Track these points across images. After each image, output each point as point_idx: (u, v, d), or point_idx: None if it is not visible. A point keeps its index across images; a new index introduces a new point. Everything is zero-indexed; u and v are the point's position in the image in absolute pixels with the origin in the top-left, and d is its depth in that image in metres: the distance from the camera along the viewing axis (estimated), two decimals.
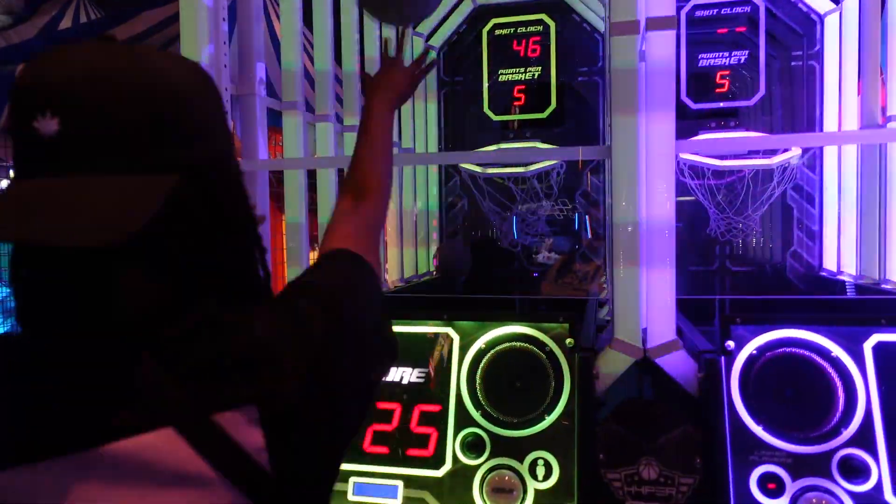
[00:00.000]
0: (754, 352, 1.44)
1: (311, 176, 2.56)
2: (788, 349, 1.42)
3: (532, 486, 1.44)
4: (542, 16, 3.85)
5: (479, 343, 1.56)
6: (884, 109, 2.55)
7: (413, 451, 1.51)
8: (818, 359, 1.39)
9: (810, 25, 3.59)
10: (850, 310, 2.56)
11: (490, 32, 3.85)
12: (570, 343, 1.51)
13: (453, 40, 4.23)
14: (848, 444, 1.34)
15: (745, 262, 3.83)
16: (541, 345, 1.52)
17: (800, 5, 3.54)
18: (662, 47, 1.58)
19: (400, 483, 1.49)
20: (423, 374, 1.58)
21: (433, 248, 4.01)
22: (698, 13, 3.52)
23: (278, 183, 2.70)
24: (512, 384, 1.51)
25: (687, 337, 1.69)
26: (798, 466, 1.35)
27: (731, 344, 1.44)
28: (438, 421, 1.52)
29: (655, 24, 1.56)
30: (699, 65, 3.58)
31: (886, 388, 1.36)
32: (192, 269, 0.58)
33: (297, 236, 2.36)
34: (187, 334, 0.55)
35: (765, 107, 3.73)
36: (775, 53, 3.72)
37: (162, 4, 3.12)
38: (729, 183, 3.61)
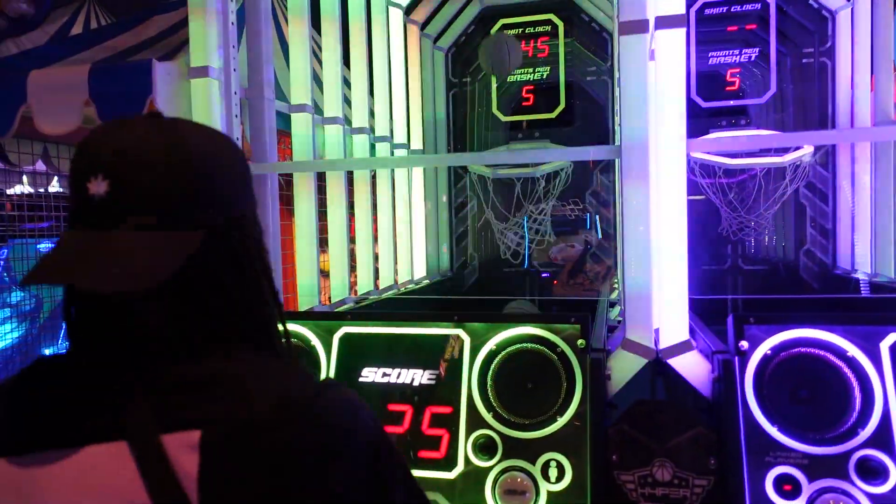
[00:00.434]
0: (769, 352, 1.42)
1: (321, 178, 2.56)
2: (803, 349, 1.40)
3: (545, 487, 1.43)
4: (551, 16, 3.84)
5: (490, 344, 1.55)
6: None
7: (425, 452, 1.51)
8: (834, 359, 1.38)
9: (822, 22, 3.55)
10: (866, 308, 2.53)
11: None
12: (581, 344, 1.50)
13: (461, 41, 4.22)
14: (865, 444, 1.32)
15: (758, 260, 3.80)
16: (552, 346, 1.51)
17: (811, 2, 3.51)
18: (672, 46, 1.57)
19: None
20: (433, 376, 1.57)
21: (443, 249, 4.01)
22: (707, 11, 3.49)
23: (287, 185, 2.71)
24: (523, 385, 1.51)
25: (700, 337, 1.68)
26: (814, 468, 1.34)
27: (744, 344, 1.43)
28: (450, 423, 1.52)
29: (665, 22, 1.55)
30: (709, 63, 3.55)
31: None
32: (210, 314, 0.67)
33: (306, 239, 2.36)
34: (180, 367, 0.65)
35: (776, 104, 3.69)
36: (786, 50, 3.68)
37: (172, 10, 3.14)
38: (740, 181, 3.58)
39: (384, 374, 1.60)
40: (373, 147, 3.10)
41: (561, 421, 1.46)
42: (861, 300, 2.72)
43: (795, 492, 1.33)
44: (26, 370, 0.67)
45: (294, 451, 0.61)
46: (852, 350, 1.37)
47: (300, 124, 2.37)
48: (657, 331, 1.57)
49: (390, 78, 3.24)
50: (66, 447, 0.59)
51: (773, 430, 1.37)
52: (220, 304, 0.68)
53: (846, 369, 1.36)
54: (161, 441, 0.58)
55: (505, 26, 3.88)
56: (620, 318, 1.83)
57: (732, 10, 3.52)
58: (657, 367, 1.59)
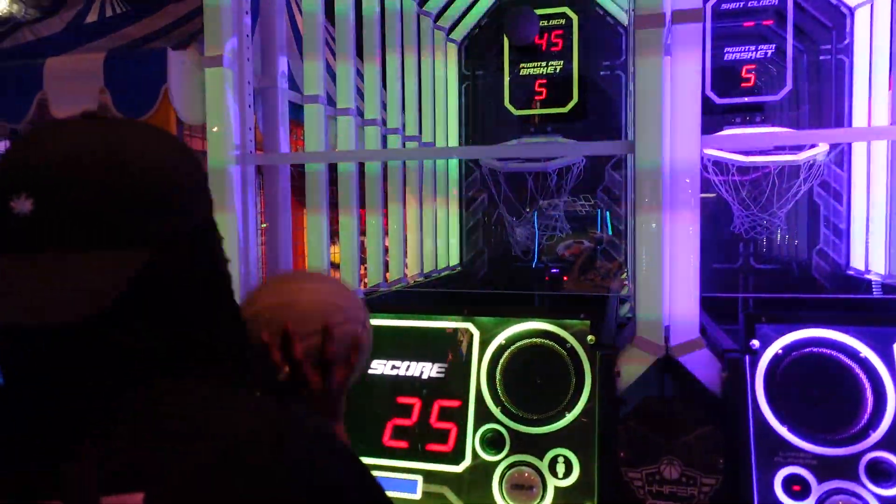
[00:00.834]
0: (780, 351, 1.41)
1: (332, 169, 2.57)
2: (815, 349, 1.39)
3: (552, 483, 1.43)
4: (565, 9, 3.82)
5: (500, 339, 1.55)
6: None
7: (433, 446, 1.51)
8: (846, 359, 1.37)
9: (840, 18, 3.51)
10: (879, 309, 2.51)
11: None
12: (591, 340, 1.50)
13: (475, 33, 4.20)
14: (876, 446, 1.31)
15: (770, 259, 3.77)
16: (561, 341, 1.51)
17: None
18: (688, 41, 1.55)
19: (419, 478, 1.49)
20: (442, 370, 1.57)
21: (453, 243, 4.00)
22: (724, 6, 3.46)
23: (299, 176, 2.71)
24: (532, 381, 1.51)
25: (710, 335, 1.67)
26: (824, 469, 1.33)
27: (755, 343, 1.42)
28: (458, 416, 1.52)
29: (682, 16, 1.54)
30: (725, 59, 3.52)
31: None
32: (160, 338, 0.59)
33: (317, 230, 2.37)
34: (131, 408, 0.56)
35: (792, 102, 3.65)
36: (803, 47, 3.64)
37: None
38: (754, 179, 3.55)
39: (393, 367, 1.61)
40: (385, 139, 3.10)
41: (569, 417, 1.46)
42: (874, 301, 2.70)
43: (804, 492, 1.32)
44: None
45: None
46: (865, 351, 1.36)
47: (313, 115, 2.37)
48: (668, 328, 1.56)
49: (403, 70, 3.24)
50: None
51: (782, 430, 1.36)
52: (171, 328, 0.60)
53: (858, 370, 1.35)
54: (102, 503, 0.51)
55: None
56: (630, 315, 1.82)
57: (749, 5, 3.48)
58: (667, 364, 1.58)
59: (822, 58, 3.65)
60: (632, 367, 1.56)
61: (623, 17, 3.86)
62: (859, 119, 3.31)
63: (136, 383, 0.57)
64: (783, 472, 1.34)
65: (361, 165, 2.79)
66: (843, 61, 3.55)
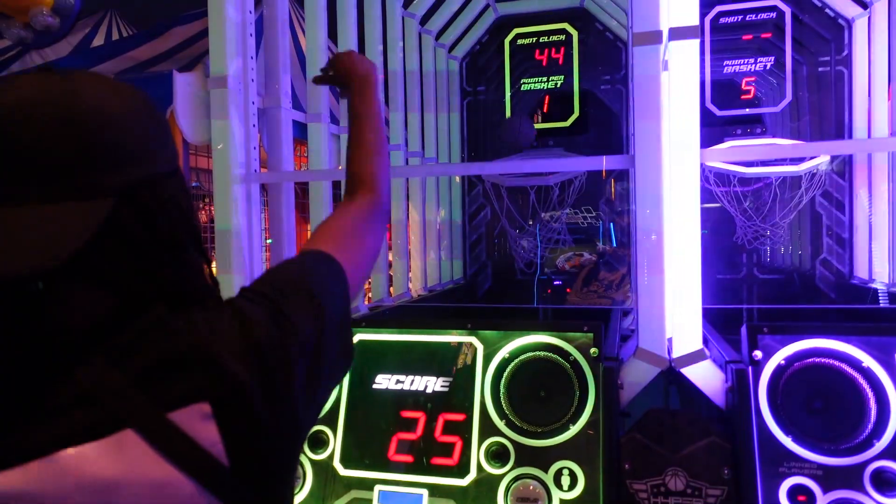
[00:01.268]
0: (783, 362, 1.42)
1: (336, 187, 2.59)
2: (818, 359, 1.40)
3: (557, 495, 1.43)
4: (565, 25, 3.86)
5: (504, 352, 1.56)
6: None
7: (438, 459, 1.52)
8: (849, 369, 1.37)
9: (838, 30, 3.54)
10: (883, 319, 2.50)
11: (512, 42, 3.87)
12: (594, 353, 1.51)
13: (475, 50, 4.25)
14: (881, 456, 1.31)
15: (773, 270, 3.77)
16: (565, 354, 1.52)
17: (827, 10, 3.50)
18: (686, 57, 1.57)
19: (425, 492, 1.50)
20: (447, 383, 1.58)
21: (456, 256, 4.02)
22: (723, 20, 3.49)
23: (303, 194, 2.74)
24: (536, 393, 1.51)
25: (713, 346, 1.68)
26: (829, 478, 1.33)
27: (758, 354, 1.43)
28: (463, 430, 1.53)
29: (679, 33, 1.56)
30: (724, 71, 3.55)
31: None
32: (133, 283, 0.61)
33: None
34: (135, 339, 0.59)
35: (792, 113, 3.68)
36: (802, 59, 3.67)
37: (192, 20, 3.20)
38: (756, 190, 3.57)
39: (398, 381, 1.62)
40: None
41: (574, 429, 1.47)
42: (878, 311, 2.69)
43: (810, 503, 1.32)
44: None
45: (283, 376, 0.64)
46: (868, 361, 1.37)
47: (316, 133, 2.41)
48: (670, 340, 1.57)
49: (405, 87, 3.27)
50: (47, 454, 0.53)
51: (787, 441, 1.37)
52: (144, 273, 0.62)
53: (861, 380, 1.36)
54: (170, 419, 0.56)
55: (519, 35, 3.90)
56: (633, 327, 1.83)
57: (748, 18, 3.52)
58: (670, 376, 1.59)
59: (821, 69, 3.68)
60: (635, 379, 1.57)
61: (622, 33, 3.90)
62: (860, 129, 3.33)
63: (112, 318, 0.59)
64: (788, 483, 1.34)
65: None
66: (842, 73, 3.57)
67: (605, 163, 1.95)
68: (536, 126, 3.85)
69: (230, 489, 0.58)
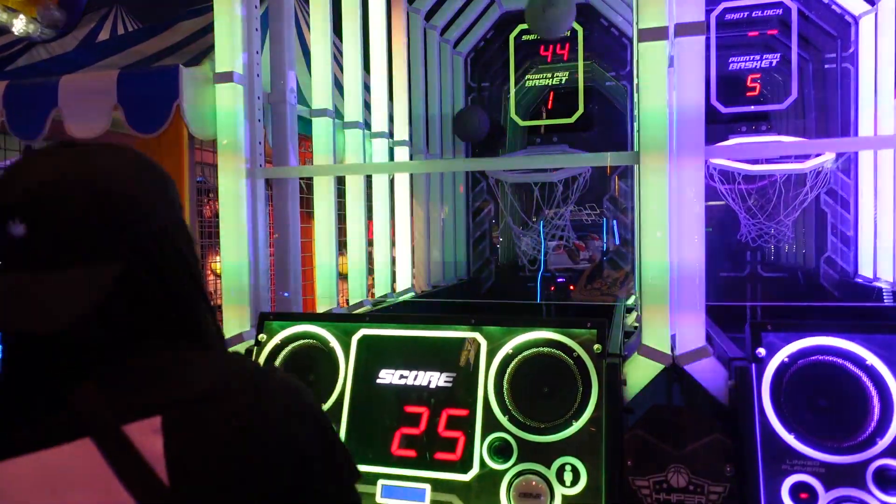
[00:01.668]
0: (786, 359, 1.42)
1: (340, 181, 2.60)
2: (822, 357, 1.40)
3: (559, 491, 1.44)
4: None
5: (507, 348, 1.57)
6: None
7: (441, 454, 1.52)
8: (852, 367, 1.37)
9: (844, 27, 3.52)
10: (887, 317, 2.50)
11: (517, 38, 3.85)
12: (598, 349, 1.51)
13: (480, 46, 4.24)
14: (883, 454, 1.32)
15: (778, 268, 3.77)
16: (569, 350, 1.52)
17: (833, 7, 3.48)
18: (691, 53, 1.57)
19: (428, 486, 1.50)
20: (450, 379, 1.59)
21: (460, 253, 4.02)
22: (728, 16, 3.48)
23: (308, 189, 2.74)
24: (539, 389, 1.52)
25: (717, 343, 1.68)
26: (831, 476, 1.33)
27: (761, 351, 1.43)
28: (466, 425, 1.53)
29: (684, 29, 1.56)
30: (729, 68, 3.54)
31: None
32: (144, 327, 0.68)
33: (325, 242, 2.39)
34: (128, 368, 0.66)
35: (797, 110, 3.67)
36: (808, 56, 3.66)
37: (197, 15, 3.20)
38: (760, 188, 3.56)
39: (401, 377, 1.62)
40: (391, 151, 3.13)
41: (576, 425, 1.47)
42: (883, 309, 2.69)
43: (812, 500, 1.32)
44: None
45: (256, 414, 0.65)
46: (871, 359, 1.37)
47: (321, 128, 2.41)
48: (674, 337, 1.57)
49: (410, 83, 3.27)
50: (25, 453, 0.61)
51: (789, 438, 1.37)
52: (149, 318, 0.69)
53: (865, 378, 1.36)
54: (124, 431, 0.61)
55: (524, 31, 3.89)
56: (637, 324, 1.83)
57: (753, 15, 3.50)
58: (673, 373, 1.59)
59: (827, 66, 3.66)
60: (638, 375, 1.57)
61: (628, 29, 3.89)
62: (865, 127, 3.31)
63: (122, 351, 0.66)
64: (790, 480, 1.34)
65: (369, 177, 2.82)
66: (848, 69, 3.56)
67: (609, 159, 1.95)
68: (541, 122, 3.85)
69: None
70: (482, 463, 1.50)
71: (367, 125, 2.87)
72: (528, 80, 3.94)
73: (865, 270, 3.30)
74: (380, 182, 2.89)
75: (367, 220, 2.66)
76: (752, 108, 3.44)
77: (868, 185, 3.28)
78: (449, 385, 1.58)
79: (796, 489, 1.34)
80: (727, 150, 2.18)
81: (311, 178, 2.46)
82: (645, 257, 1.60)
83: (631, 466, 1.43)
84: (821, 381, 1.39)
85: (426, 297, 3.25)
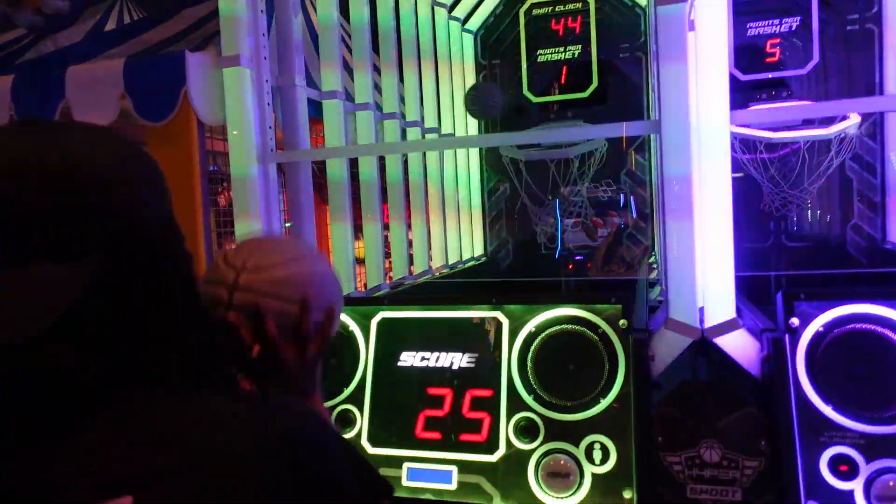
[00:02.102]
0: (821, 328, 1.37)
1: (354, 165, 2.56)
2: (858, 325, 1.35)
3: (589, 469, 1.41)
4: None
5: (530, 326, 1.53)
6: None
7: (466, 436, 1.50)
8: (891, 334, 1.32)
9: None
10: None
11: (527, 13, 3.76)
12: (623, 324, 1.47)
13: (490, 22, 4.16)
14: None
15: (802, 237, 3.68)
16: (593, 327, 1.49)
17: None
18: (713, 14, 1.51)
19: (454, 468, 1.48)
20: (472, 359, 1.56)
21: (476, 233, 3.98)
22: None
23: (320, 172, 2.71)
24: (564, 367, 1.48)
25: (746, 315, 1.63)
26: (872, 447, 1.29)
27: (795, 321, 1.38)
28: (490, 406, 1.51)
29: None
30: (747, 34, 3.43)
31: None
32: (123, 346, 0.58)
33: (340, 226, 2.36)
34: (112, 418, 0.56)
35: (819, 75, 3.55)
36: (829, 18, 3.54)
37: (202, 1, 3.17)
38: (783, 156, 3.47)
39: (423, 359, 1.60)
40: (403, 132, 3.08)
41: (604, 403, 1.44)
42: None
43: (852, 472, 1.28)
44: None
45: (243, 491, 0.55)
46: None
47: (331, 111, 2.37)
48: (702, 309, 1.53)
49: (420, 62, 3.22)
50: None
51: (827, 410, 1.32)
52: (131, 337, 0.58)
53: None
54: None
55: (534, 5, 3.80)
56: (661, 298, 1.79)
57: None
58: (702, 346, 1.55)
59: (849, 28, 3.54)
60: (666, 350, 1.53)
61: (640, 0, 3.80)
62: (891, 88, 3.21)
63: (103, 396, 0.56)
64: (829, 453, 1.30)
65: (382, 160, 2.78)
66: (872, 30, 3.44)
67: (625, 129, 1.90)
68: (555, 98, 3.78)
69: None
70: (508, 443, 1.47)
71: (378, 107, 2.83)
72: (540, 55, 3.85)
73: (894, 237, 3.22)
74: (393, 164, 2.85)
75: (381, 202, 2.63)
76: (772, 74, 3.33)
77: (894, 150, 3.18)
78: (472, 366, 1.55)
79: (836, 461, 1.29)
80: (752, 114, 2.11)
81: (323, 162, 2.43)
82: (669, 229, 1.55)
83: (662, 443, 1.40)
84: (857, 350, 1.34)
85: (444, 278, 3.22)
